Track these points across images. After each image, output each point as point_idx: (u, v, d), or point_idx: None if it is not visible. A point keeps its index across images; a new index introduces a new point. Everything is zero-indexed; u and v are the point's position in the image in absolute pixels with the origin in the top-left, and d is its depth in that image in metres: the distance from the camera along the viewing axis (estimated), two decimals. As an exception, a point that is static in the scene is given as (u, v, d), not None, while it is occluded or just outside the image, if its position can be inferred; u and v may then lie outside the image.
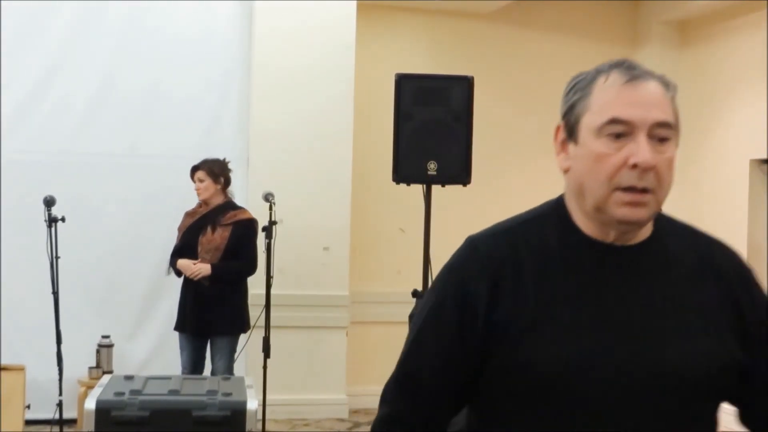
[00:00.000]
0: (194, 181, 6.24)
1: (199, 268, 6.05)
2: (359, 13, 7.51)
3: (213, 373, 6.07)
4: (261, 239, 6.25)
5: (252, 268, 6.23)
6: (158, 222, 6.91)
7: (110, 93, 7.09)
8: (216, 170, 6.26)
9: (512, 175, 8.35)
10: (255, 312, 6.32)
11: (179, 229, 6.33)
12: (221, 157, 6.38)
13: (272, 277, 6.26)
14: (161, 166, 7.13)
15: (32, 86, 6.96)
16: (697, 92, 8.27)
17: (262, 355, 6.26)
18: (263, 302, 6.28)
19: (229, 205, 6.31)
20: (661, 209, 1.77)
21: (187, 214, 6.34)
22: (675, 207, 8.74)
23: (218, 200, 6.27)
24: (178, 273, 6.19)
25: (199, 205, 6.31)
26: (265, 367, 6.26)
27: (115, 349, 6.81)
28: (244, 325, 6.25)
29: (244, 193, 7.01)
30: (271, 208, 6.25)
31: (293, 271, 7.23)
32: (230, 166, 6.40)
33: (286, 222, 6.91)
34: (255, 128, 7.28)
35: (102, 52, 7.08)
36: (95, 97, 7.07)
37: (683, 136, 7.83)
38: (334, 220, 7.33)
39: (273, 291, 6.33)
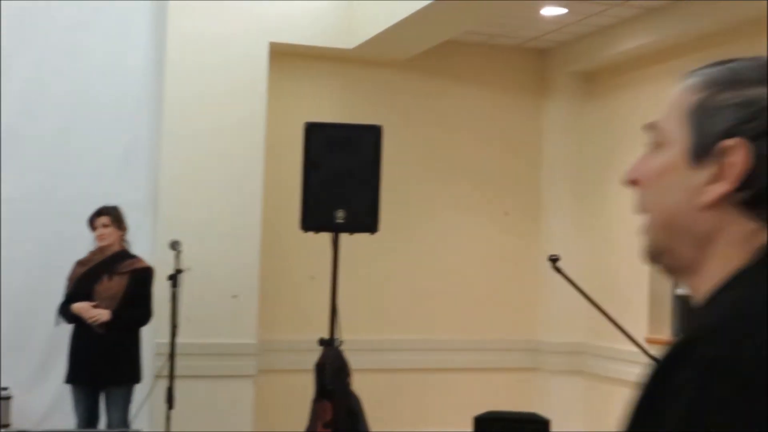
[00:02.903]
0: (94, 228, 6.11)
1: (99, 312, 5.90)
2: (271, 60, 7.50)
3: (109, 425, 5.94)
4: (167, 287, 6.14)
5: (148, 317, 6.13)
6: (58, 271, 6.71)
7: (15, 137, 6.91)
8: (120, 216, 6.16)
9: (420, 224, 8.39)
10: (160, 361, 6.19)
11: (70, 278, 6.15)
12: (117, 204, 6.26)
13: (177, 326, 6.15)
14: (65, 213, 6.94)
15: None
16: (602, 141, 8.44)
17: (166, 406, 6.13)
18: (167, 351, 6.16)
19: (126, 254, 6.20)
20: (660, 252, 1.25)
21: (79, 263, 6.19)
22: (579, 258, 8.83)
23: (116, 248, 6.16)
24: (71, 320, 6.01)
25: (93, 253, 6.17)
26: (168, 419, 6.12)
27: (13, 402, 6.58)
28: (138, 376, 6.13)
29: (151, 240, 6.89)
30: (177, 256, 6.17)
31: (201, 320, 7.12)
32: (138, 212, 6.31)
33: (195, 269, 6.80)
34: (164, 174, 7.18)
35: (8, 96, 6.91)
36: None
37: (587, 184, 7.90)
38: (243, 267, 7.25)
39: (179, 339, 6.22)
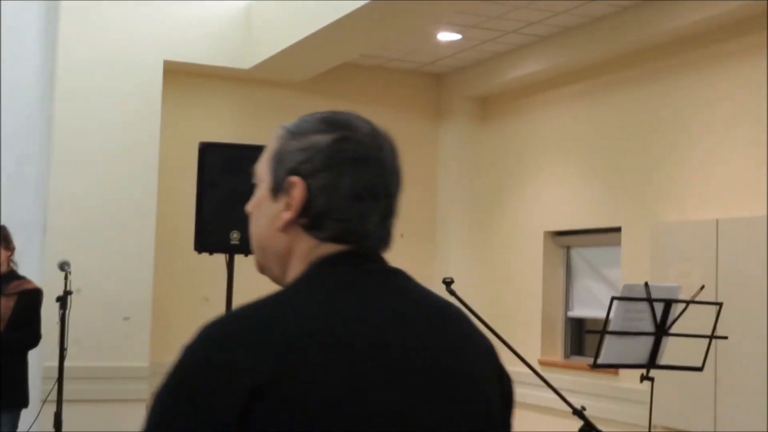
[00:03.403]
0: None
1: None
2: (166, 79, 7.41)
3: (-5, 450, 5.74)
4: (56, 309, 5.98)
5: (36, 341, 5.95)
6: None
7: None
8: (7, 236, 5.98)
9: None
10: (48, 385, 6.02)
11: None
12: (4, 224, 6.09)
13: (66, 349, 6.00)
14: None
15: None
16: (496, 165, 8.56)
17: (53, 431, 5.96)
18: (56, 375, 5.99)
19: (13, 275, 6.02)
20: (264, 268, 1.51)
21: None
22: (474, 281, 8.95)
23: (3, 269, 5.97)
24: None
25: None
26: (56, 444, 5.96)
27: None
28: (25, 400, 5.94)
29: (40, 261, 6.72)
30: (66, 278, 6.02)
31: (91, 342, 6.95)
32: (27, 232, 6.13)
33: (85, 291, 6.66)
34: (54, 194, 7.02)
35: None
36: None
37: (481, 207, 8.02)
38: (135, 289, 7.11)
39: (68, 363, 6.07)
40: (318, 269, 1.42)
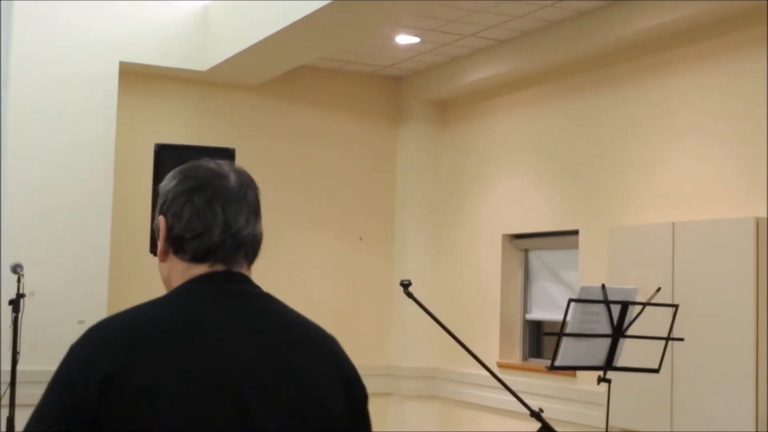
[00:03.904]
0: None
1: None
2: (122, 80, 7.33)
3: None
4: (8, 313, 5.90)
5: None
6: None
7: None
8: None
9: (273, 248, 8.32)
10: (1, 390, 5.93)
11: None
12: None
13: (19, 353, 5.91)
14: None
15: None
16: (455, 169, 8.57)
17: (6, 436, 5.88)
18: (9, 379, 5.91)
19: None
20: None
21: None
22: (433, 283, 8.92)
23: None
24: None
25: None
26: (9, 450, 5.87)
27: None
28: None
29: (-7, 264, 6.61)
30: (19, 280, 5.93)
31: (45, 346, 6.84)
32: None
33: (39, 294, 6.57)
34: (7, 197, 6.91)
35: None
36: None
37: (440, 210, 8.03)
38: (90, 292, 7.02)
39: (22, 367, 5.98)
40: (182, 286, 1.78)
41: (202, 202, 1.77)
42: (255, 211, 1.84)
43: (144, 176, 5.84)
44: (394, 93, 8.96)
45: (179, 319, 1.72)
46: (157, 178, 5.26)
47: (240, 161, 5.70)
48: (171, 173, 1.84)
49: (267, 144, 8.37)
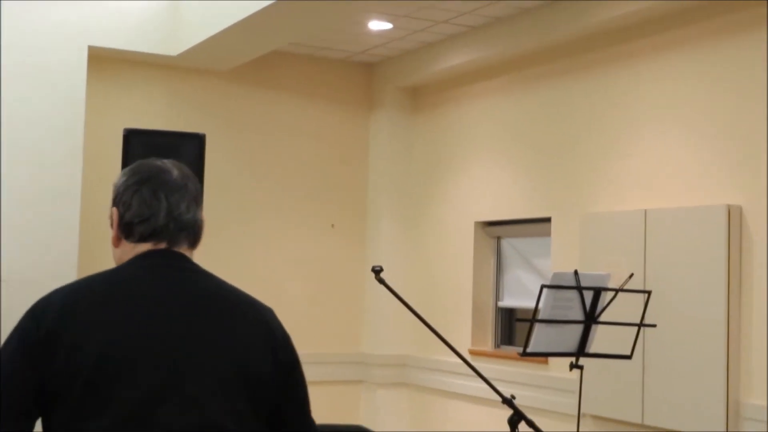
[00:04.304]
0: None
1: None
2: (91, 65, 7.24)
3: None
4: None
5: None
6: None
7: None
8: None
9: (244, 236, 8.29)
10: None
11: None
12: None
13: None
14: None
15: None
16: (428, 156, 8.55)
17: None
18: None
19: None
20: None
21: None
22: (405, 270, 8.87)
23: None
24: None
25: None
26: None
27: None
28: None
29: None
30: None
31: None
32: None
33: (9, 281, 6.49)
34: (-27, 182, 6.82)
35: None
36: None
37: (412, 197, 8.01)
38: (60, 278, 6.92)
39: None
40: (127, 261, 2.08)
41: (149, 192, 2.07)
42: (195, 200, 2.12)
43: (113, 162, 5.78)
44: (366, 79, 8.91)
45: (114, 285, 2.02)
46: (127, 163, 5.20)
47: (210, 147, 5.66)
48: (122, 171, 2.15)
49: (237, 130, 8.32)
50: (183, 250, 2.10)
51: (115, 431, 1.86)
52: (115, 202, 2.11)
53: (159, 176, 2.09)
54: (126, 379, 1.87)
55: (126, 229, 2.09)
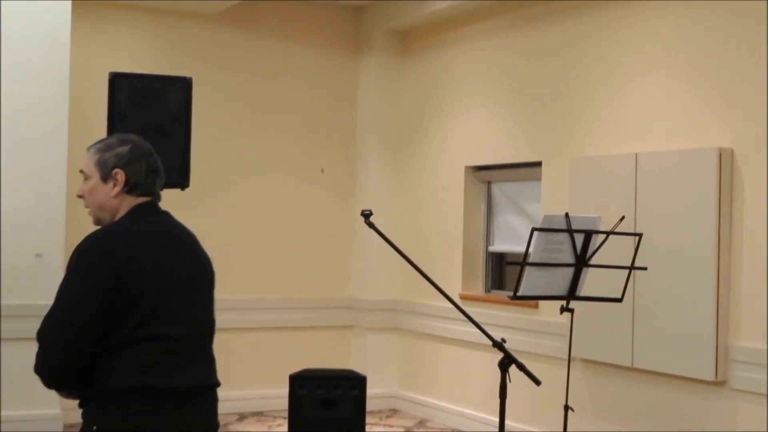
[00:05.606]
0: None
1: None
2: (75, 10, 7.14)
3: None
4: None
5: None
6: None
7: None
8: None
9: (233, 181, 8.24)
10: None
11: None
12: None
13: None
14: None
15: None
16: (416, 100, 8.48)
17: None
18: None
19: None
20: (100, 220, 2.95)
21: None
22: (395, 215, 8.85)
23: None
24: None
25: None
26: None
27: None
28: None
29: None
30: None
31: (2, 281, 6.75)
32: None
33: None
34: (-43, 127, 6.75)
35: None
36: None
37: (401, 142, 7.92)
38: (47, 225, 6.91)
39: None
40: (133, 211, 2.89)
41: (152, 163, 2.95)
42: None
43: (99, 106, 5.71)
44: (354, 23, 8.81)
45: (143, 227, 2.86)
46: (113, 106, 5.13)
47: (197, 91, 5.59)
48: (116, 140, 2.94)
49: (225, 74, 8.23)
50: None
51: (177, 323, 2.81)
52: (120, 165, 2.89)
53: (152, 154, 2.96)
54: (179, 291, 2.84)
55: (132, 188, 2.89)
